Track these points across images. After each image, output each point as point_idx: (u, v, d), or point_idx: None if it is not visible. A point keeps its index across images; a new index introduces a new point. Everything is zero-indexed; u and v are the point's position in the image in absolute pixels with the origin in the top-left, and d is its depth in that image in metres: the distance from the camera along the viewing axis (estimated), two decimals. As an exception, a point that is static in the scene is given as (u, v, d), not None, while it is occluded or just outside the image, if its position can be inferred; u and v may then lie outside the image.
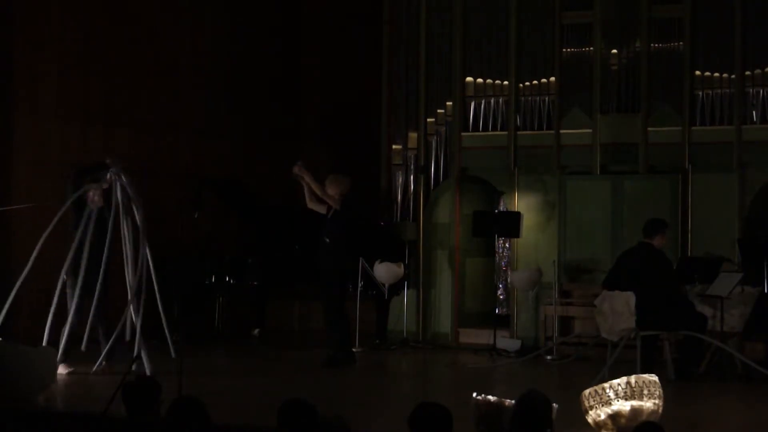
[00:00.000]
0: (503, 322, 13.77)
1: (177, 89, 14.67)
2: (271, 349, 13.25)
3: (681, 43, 13.18)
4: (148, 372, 10.31)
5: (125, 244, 10.82)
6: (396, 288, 13.59)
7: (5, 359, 9.32)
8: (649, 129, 13.21)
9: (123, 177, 10.74)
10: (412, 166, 14.47)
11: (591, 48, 13.49)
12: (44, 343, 10.46)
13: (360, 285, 13.13)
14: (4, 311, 10.49)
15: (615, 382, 7.92)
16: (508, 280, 14.04)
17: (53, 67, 13.26)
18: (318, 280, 11.90)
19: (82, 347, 10.75)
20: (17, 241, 12.97)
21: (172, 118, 14.60)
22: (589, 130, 13.43)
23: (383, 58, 14.69)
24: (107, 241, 10.78)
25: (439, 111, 14.35)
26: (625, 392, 7.86)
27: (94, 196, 10.85)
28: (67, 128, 13.40)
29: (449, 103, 14.24)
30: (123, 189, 10.72)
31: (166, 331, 10.91)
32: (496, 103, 13.96)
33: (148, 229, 14.02)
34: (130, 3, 14.14)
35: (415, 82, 14.47)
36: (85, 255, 10.82)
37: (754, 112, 12.86)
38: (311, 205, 11.87)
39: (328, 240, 11.67)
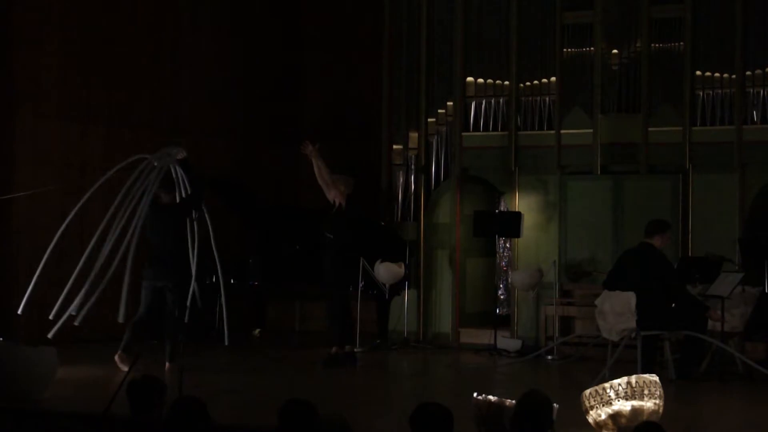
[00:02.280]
0: (504, 322, 13.77)
1: (178, 89, 14.67)
2: (271, 349, 13.25)
3: (682, 43, 13.17)
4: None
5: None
6: (397, 288, 13.59)
7: (5, 359, 9.32)
8: (650, 129, 13.21)
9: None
10: (412, 166, 14.47)
11: (592, 48, 13.49)
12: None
13: (361, 285, 13.13)
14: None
15: (615, 382, 7.92)
16: (509, 280, 14.04)
17: (54, 67, 13.27)
18: (319, 279, 11.94)
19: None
20: (17, 240, 12.98)
21: (173, 119, 14.60)
22: (590, 130, 13.43)
23: (384, 58, 14.69)
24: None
25: (439, 111, 14.35)
26: (626, 392, 7.86)
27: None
28: (68, 128, 13.40)
29: (450, 103, 14.24)
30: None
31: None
32: (497, 103, 13.95)
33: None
34: (130, 3, 14.14)
35: (416, 82, 14.46)
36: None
37: (754, 112, 12.85)
38: (320, 181, 11.89)
39: (331, 236, 11.72)
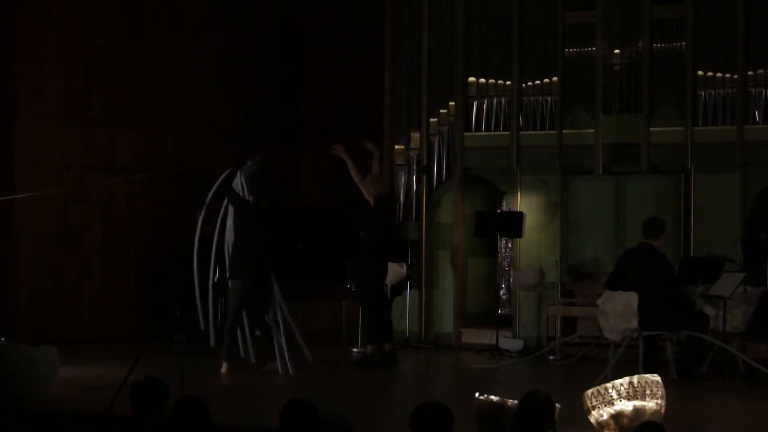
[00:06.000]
0: (505, 322, 13.76)
1: (178, 89, 14.67)
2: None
3: (683, 43, 13.16)
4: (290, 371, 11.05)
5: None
6: (398, 288, 13.59)
7: (7, 359, 9.31)
8: (652, 129, 13.20)
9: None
10: (414, 167, 14.46)
11: (593, 48, 13.48)
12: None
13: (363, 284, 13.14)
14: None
15: (617, 382, 7.92)
16: (511, 280, 14.04)
17: (54, 68, 13.27)
18: (319, 279, 12.07)
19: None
20: (17, 240, 12.98)
21: (174, 119, 14.59)
22: (592, 130, 13.42)
23: (385, 57, 14.68)
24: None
25: (441, 111, 14.33)
26: (628, 392, 7.86)
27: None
28: (69, 128, 13.40)
29: (452, 103, 14.23)
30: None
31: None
32: (499, 103, 13.94)
33: (149, 230, 14.08)
34: (130, 3, 14.13)
35: (418, 82, 14.45)
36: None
37: (756, 112, 12.84)
38: (357, 182, 12.03)
39: (362, 234, 11.87)
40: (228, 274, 11.43)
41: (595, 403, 7.93)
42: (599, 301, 11.13)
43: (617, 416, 7.85)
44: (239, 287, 11.25)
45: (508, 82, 13.87)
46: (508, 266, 14.54)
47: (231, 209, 11.58)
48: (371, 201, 11.95)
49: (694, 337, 10.86)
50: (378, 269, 12.08)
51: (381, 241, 12.02)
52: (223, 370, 11.10)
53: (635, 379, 7.94)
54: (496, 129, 13.93)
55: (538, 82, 13.73)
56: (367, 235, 11.94)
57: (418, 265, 14.19)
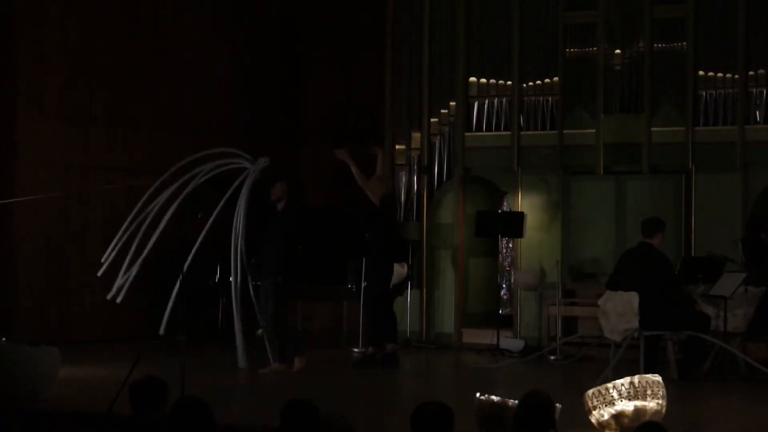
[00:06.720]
0: (506, 322, 13.76)
1: (179, 90, 14.66)
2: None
3: (684, 43, 13.16)
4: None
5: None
6: (399, 288, 13.58)
7: (8, 359, 9.31)
8: (653, 129, 13.19)
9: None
10: (415, 167, 14.45)
11: (594, 48, 13.48)
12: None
13: (363, 285, 13.13)
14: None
15: (618, 382, 7.92)
16: (512, 280, 14.03)
17: (55, 68, 13.26)
18: (320, 279, 12.07)
19: None
20: (17, 240, 12.98)
21: (174, 119, 14.59)
22: (593, 130, 13.42)
23: (386, 58, 14.68)
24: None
25: (442, 111, 14.33)
26: (629, 392, 7.85)
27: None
28: (70, 128, 13.40)
29: (452, 103, 14.23)
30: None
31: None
32: (500, 103, 13.94)
33: (150, 231, 14.05)
34: (131, 3, 14.13)
35: (419, 82, 14.44)
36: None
37: (757, 112, 12.84)
38: (361, 184, 12.05)
39: (367, 235, 11.93)
40: (276, 274, 11.47)
41: (596, 403, 7.92)
42: (600, 301, 11.12)
43: (618, 416, 7.85)
44: (278, 287, 11.29)
45: (509, 82, 13.87)
46: (509, 266, 14.54)
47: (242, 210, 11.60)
48: (376, 202, 11.96)
49: (694, 337, 10.85)
50: (384, 270, 12.08)
51: (387, 241, 12.03)
52: (296, 366, 11.23)
53: (636, 379, 7.94)
54: (497, 129, 13.93)
55: (538, 82, 13.73)
56: (373, 236, 11.95)
57: (419, 265, 14.19)
